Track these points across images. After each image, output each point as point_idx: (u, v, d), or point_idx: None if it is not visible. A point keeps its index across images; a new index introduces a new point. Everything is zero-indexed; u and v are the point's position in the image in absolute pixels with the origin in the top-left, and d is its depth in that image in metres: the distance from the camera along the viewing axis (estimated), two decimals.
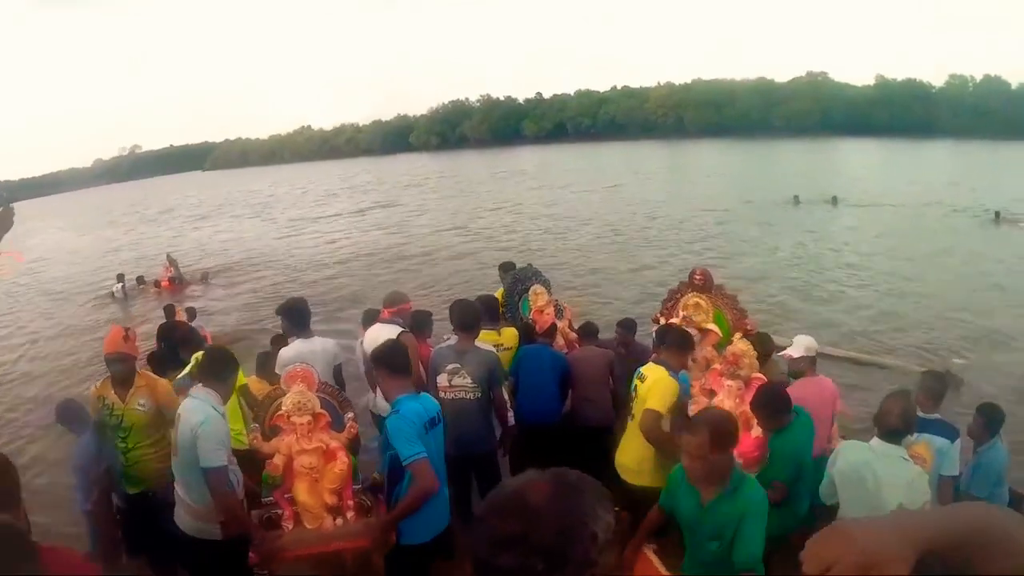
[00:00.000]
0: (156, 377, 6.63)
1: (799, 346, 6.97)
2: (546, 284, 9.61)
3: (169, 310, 16.74)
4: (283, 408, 5.78)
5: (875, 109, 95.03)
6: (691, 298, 8.37)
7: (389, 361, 5.40)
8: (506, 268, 11.11)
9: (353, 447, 6.17)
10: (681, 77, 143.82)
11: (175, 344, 16.15)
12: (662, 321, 8.43)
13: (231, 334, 18.52)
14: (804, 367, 6.97)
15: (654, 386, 6.42)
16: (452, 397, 6.71)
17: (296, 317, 7.50)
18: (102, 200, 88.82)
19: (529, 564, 1.65)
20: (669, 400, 6.40)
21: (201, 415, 5.08)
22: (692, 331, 7.77)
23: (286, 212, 52.31)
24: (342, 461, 5.76)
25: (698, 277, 8.58)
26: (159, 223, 53.32)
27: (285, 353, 7.11)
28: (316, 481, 5.70)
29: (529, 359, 7.93)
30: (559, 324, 8.97)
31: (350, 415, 6.10)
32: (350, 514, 5.77)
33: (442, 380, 6.75)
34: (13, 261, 5.61)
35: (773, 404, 5.87)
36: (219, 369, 5.51)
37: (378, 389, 6.72)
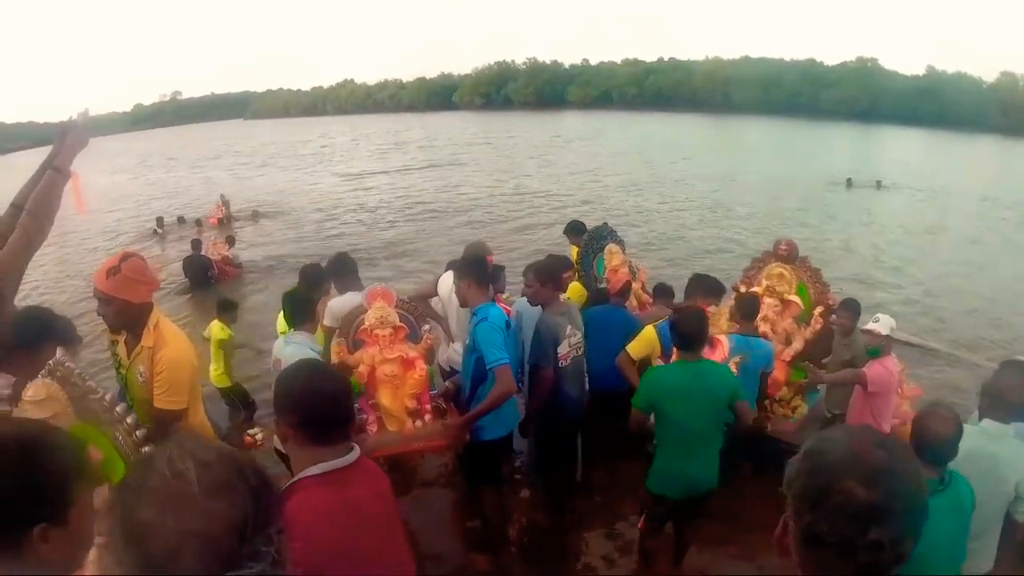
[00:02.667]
0: (170, 338, 4.88)
1: (885, 324, 6.90)
2: (620, 244, 9.35)
3: (196, 244, 18.74)
4: (366, 323, 6.35)
5: (924, 100, 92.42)
6: (775, 268, 8.26)
7: (475, 271, 6.04)
8: (573, 229, 10.95)
9: (429, 356, 6.67)
10: (729, 53, 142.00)
11: (200, 274, 18.08)
12: (742, 290, 8.26)
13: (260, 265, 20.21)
14: (886, 344, 6.90)
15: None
16: (573, 357, 6.62)
17: (344, 273, 7.38)
18: (144, 145, 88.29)
19: (897, 536, 1.62)
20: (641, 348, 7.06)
21: (297, 357, 5.34)
22: (774, 301, 7.96)
23: (341, 163, 52.34)
24: (420, 369, 6.36)
25: (783, 247, 8.49)
26: (207, 168, 53.64)
27: (336, 304, 7.11)
28: (397, 388, 6.27)
29: (598, 321, 7.56)
30: (634, 285, 8.84)
31: (426, 327, 6.69)
32: (428, 417, 6.34)
33: (563, 348, 6.50)
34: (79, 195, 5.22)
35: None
36: (302, 311, 6.14)
37: (449, 344, 7.37)
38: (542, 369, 6.32)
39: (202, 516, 1.47)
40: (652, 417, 5.59)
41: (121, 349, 4.93)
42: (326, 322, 6.99)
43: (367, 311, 6.42)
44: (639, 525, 6.32)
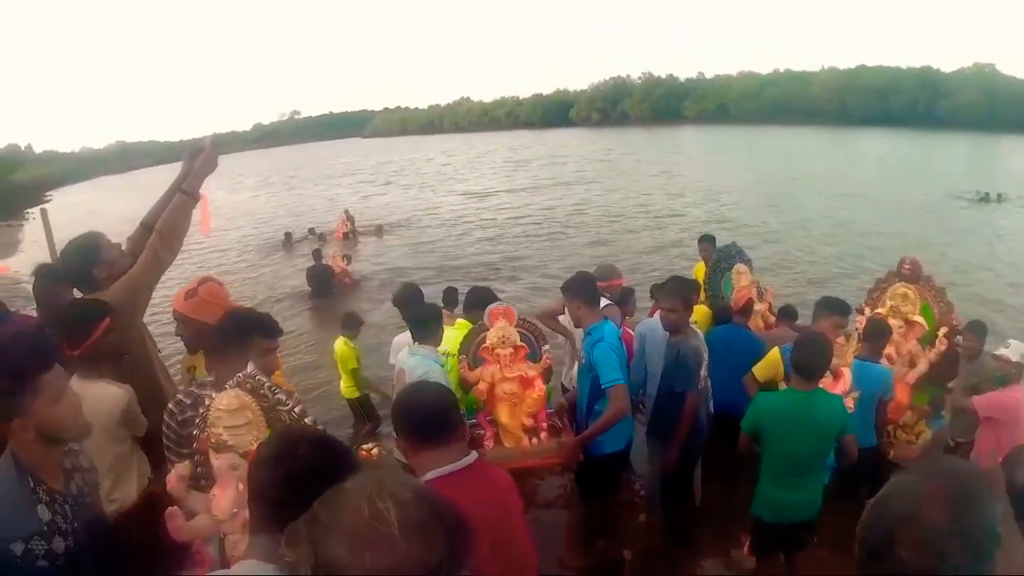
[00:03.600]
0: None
1: (1016, 351, 6.84)
2: (748, 264, 9.21)
3: (317, 254, 20.00)
4: (487, 341, 6.48)
5: None
6: (899, 288, 8.08)
7: (584, 290, 6.20)
8: (706, 239, 11.12)
9: (547, 376, 6.76)
10: (845, 62, 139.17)
11: (322, 283, 19.22)
12: (867, 312, 8.15)
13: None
14: (1015, 372, 6.79)
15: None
16: (705, 379, 6.68)
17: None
18: (264, 164, 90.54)
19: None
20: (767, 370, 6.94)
21: (423, 369, 5.81)
22: (898, 322, 7.80)
23: (464, 182, 52.58)
24: (539, 388, 6.47)
25: (907, 267, 8.32)
26: (329, 185, 54.73)
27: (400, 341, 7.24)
28: (515, 405, 6.40)
29: (721, 341, 7.47)
30: (759, 306, 8.88)
31: (546, 347, 6.76)
32: (544, 435, 6.46)
33: (703, 371, 6.58)
34: (205, 217, 5.19)
35: None
36: (427, 328, 6.22)
37: (576, 361, 7.27)
38: (690, 393, 6.38)
39: (399, 558, 1.45)
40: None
41: (203, 372, 4.82)
42: (391, 360, 7.24)
43: (489, 330, 6.53)
44: (745, 550, 6.34)
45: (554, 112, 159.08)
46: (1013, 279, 18.97)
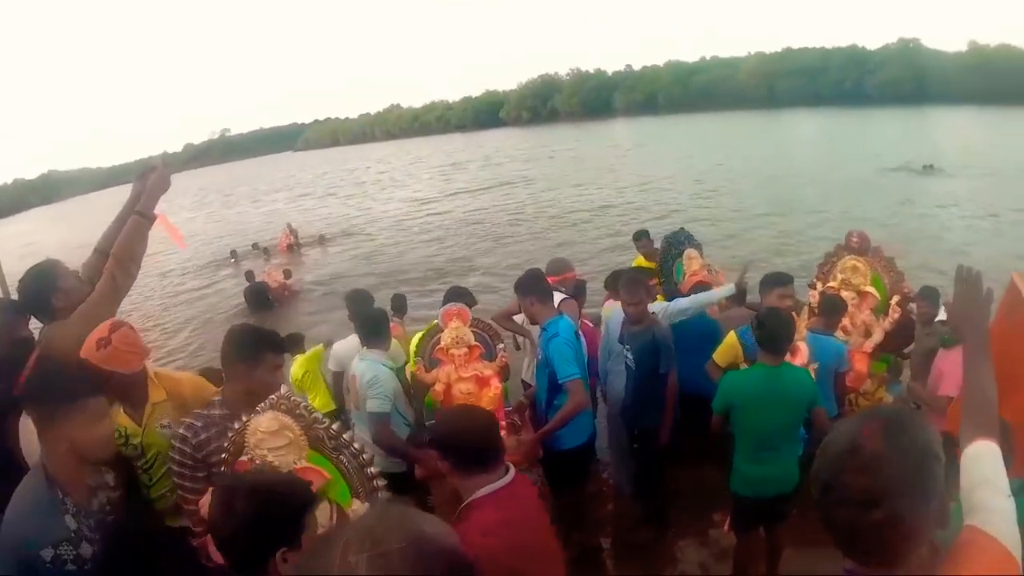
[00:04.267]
0: (176, 375, 4.86)
1: None
2: (698, 248, 9.26)
3: (249, 275, 20.97)
4: (442, 342, 6.40)
5: (971, 76, 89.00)
6: (849, 261, 8.23)
7: (537, 287, 6.23)
8: (641, 235, 11.26)
9: (504, 374, 6.73)
10: (771, 46, 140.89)
11: (259, 300, 19.83)
12: (819, 286, 8.31)
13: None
14: (952, 334, 6.70)
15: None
16: None
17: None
18: (198, 183, 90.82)
19: (896, 513, 1.82)
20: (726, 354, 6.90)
21: (372, 372, 5.87)
22: (850, 294, 7.93)
23: (403, 188, 52.79)
24: (495, 387, 6.40)
25: (855, 240, 8.51)
26: (267, 201, 54.66)
27: (340, 348, 7.60)
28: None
29: (677, 326, 7.37)
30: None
31: (501, 346, 6.72)
32: (503, 433, 6.26)
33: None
34: (175, 243, 5.23)
35: None
36: (376, 330, 6.27)
37: (532, 361, 7.39)
38: (673, 372, 6.57)
39: None
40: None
41: (124, 420, 4.39)
42: (330, 365, 7.42)
43: (443, 331, 6.47)
44: (725, 527, 6.38)
45: (485, 113, 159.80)
46: (955, 246, 19.40)
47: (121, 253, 4.56)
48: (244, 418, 3.93)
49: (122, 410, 4.40)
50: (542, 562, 3.42)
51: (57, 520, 3.26)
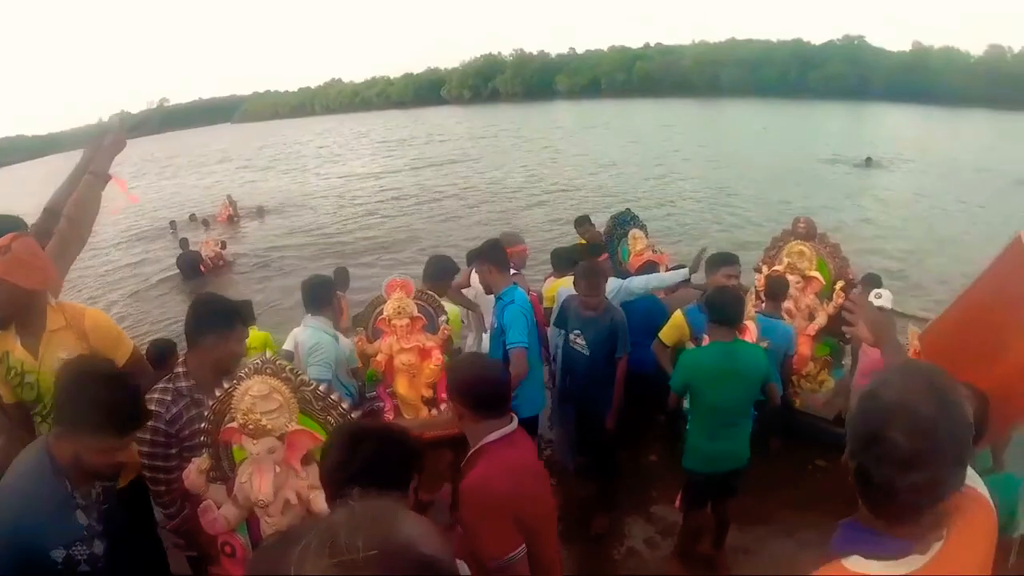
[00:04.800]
0: (79, 307, 4.43)
1: (887, 299, 7.29)
2: (643, 229, 9.48)
3: (184, 242, 21.13)
4: (384, 313, 6.33)
5: (912, 75, 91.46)
6: (795, 245, 8.39)
7: (494, 256, 6.25)
8: (583, 221, 11.20)
9: (446, 347, 6.65)
10: (716, 36, 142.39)
11: (191, 268, 19.95)
12: (764, 269, 8.43)
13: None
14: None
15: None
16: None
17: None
18: (136, 152, 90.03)
19: (936, 478, 1.82)
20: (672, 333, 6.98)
21: (315, 339, 5.84)
22: (795, 278, 8.07)
23: (343, 163, 52.24)
24: (436, 359, 6.40)
25: (802, 225, 8.67)
26: (207, 173, 53.41)
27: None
28: (414, 377, 6.37)
29: (624, 306, 7.27)
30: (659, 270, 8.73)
31: (443, 318, 6.62)
32: (443, 405, 6.36)
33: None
34: (124, 195, 5.14)
35: None
36: (320, 297, 6.21)
37: (483, 332, 7.55)
38: (626, 356, 6.48)
39: None
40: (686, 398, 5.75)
41: (19, 354, 4.10)
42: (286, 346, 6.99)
43: (386, 301, 6.40)
44: (676, 504, 6.34)
45: (426, 91, 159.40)
46: (894, 233, 20.02)
47: (74, 213, 4.42)
48: (223, 387, 3.92)
49: (18, 342, 4.11)
50: (544, 507, 3.62)
51: (69, 517, 3.10)
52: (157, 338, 8.09)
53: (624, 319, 6.45)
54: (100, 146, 4.71)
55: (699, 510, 6.13)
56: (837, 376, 8.31)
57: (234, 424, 3.82)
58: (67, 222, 4.38)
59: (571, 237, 12.32)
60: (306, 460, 3.90)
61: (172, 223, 27.40)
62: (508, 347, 5.85)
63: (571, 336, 6.47)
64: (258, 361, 3.89)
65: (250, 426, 3.70)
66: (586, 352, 6.42)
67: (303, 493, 3.85)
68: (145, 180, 52.51)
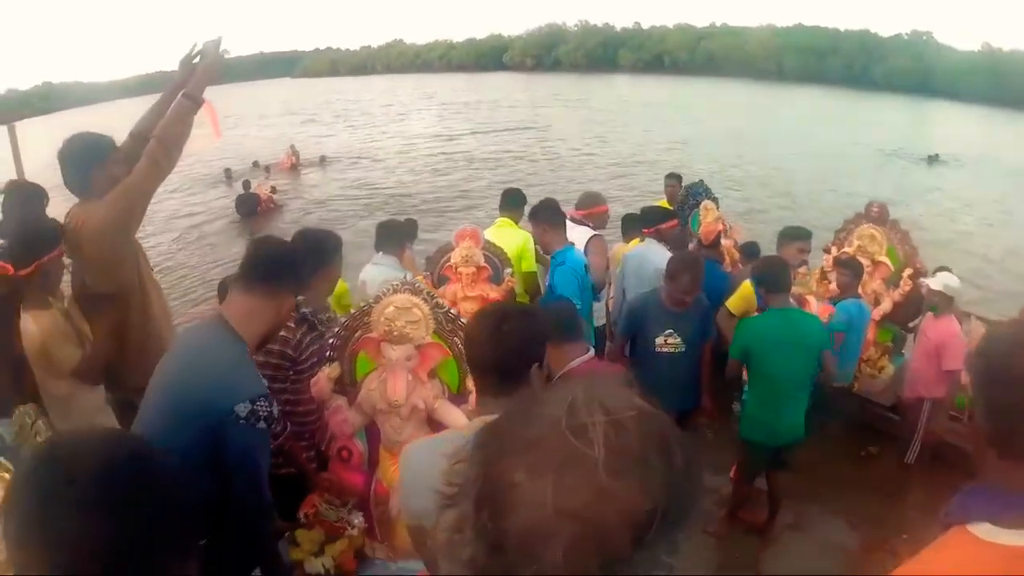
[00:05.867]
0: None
1: (938, 281, 7.05)
2: (716, 201, 9.29)
3: (246, 184, 23.52)
4: (452, 260, 6.37)
5: (980, 76, 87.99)
6: (866, 229, 8.39)
7: (547, 215, 6.47)
8: (672, 176, 11.31)
9: (509, 298, 6.56)
10: (783, 20, 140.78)
11: (249, 207, 21.84)
12: (834, 251, 8.47)
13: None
14: (938, 302, 7.00)
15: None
16: None
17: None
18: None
19: None
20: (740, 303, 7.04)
21: (381, 278, 5.86)
22: (865, 261, 7.99)
23: (412, 121, 52.78)
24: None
25: (875, 209, 8.66)
26: (265, 127, 53.32)
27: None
28: None
29: None
30: (726, 242, 8.86)
31: (508, 271, 6.59)
32: None
33: None
34: (211, 134, 5.16)
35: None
36: (393, 238, 6.55)
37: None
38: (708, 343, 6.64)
39: (594, 494, 1.01)
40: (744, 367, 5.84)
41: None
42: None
43: (454, 249, 6.42)
44: (731, 474, 6.44)
45: (487, 56, 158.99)
46: (964, 229, 20.19)
47: (165, 135, 4.41)
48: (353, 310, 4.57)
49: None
50: None
51: (254, 374, 3.25)
52: (231, 274, 8.25)
53: (706, 299, 6.45)
54: (194, 70, 4.73)
55: (751, 482, 6.23)
56: (897, 363, 8.15)
57: (372, 334, 4.37)
58: (157, 143, 4.38)
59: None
60: (430, 375, 4.42)
61: (227, 171, 28.18)
62: None
63: (658, 341, 6.27)
64: (397, 283, 4.43)
65: (394, 332, 4.28)
66: (682, 349, 6.29)
67: (429, 402, 4.34)
68: (206, 129, 52.74)
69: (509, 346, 2.69)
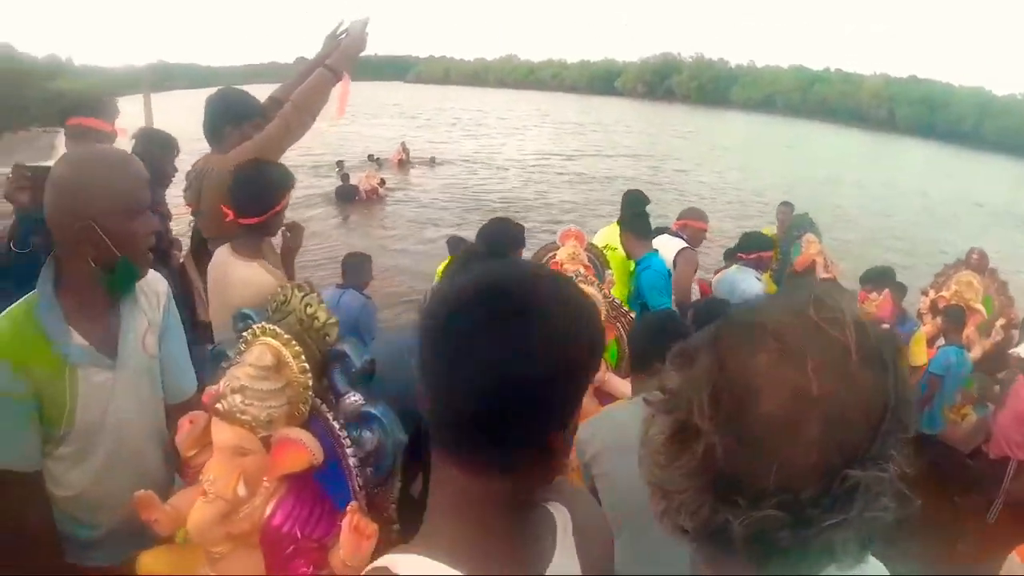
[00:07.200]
0: None
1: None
2: (818, 235, 9.52)
3: (345, 176, 25.26)
4: (558, 257, 6.40)
5: None
6: (965, 275, 8.42)
7: (633, 224, 6.58)
8: (786, 204, 11.60)
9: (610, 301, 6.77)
10: (897, 71, 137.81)
11: (346, 198, 23.39)
12: (932, 294, 8.56)
13: None
14: None
15: None
16: None
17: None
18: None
19: None
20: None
21: None
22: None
23: (526, 136, 53.19)
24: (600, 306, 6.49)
25: (975, 257, 8.69)
26: (379, 125, 53.47)
27: None
28: None
29: None
30: (825, 276, 8.86)
31: (609, 272, 6.68)
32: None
33: None
34: (335, 110, 5.03)
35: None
36: (507, 244, 6.07)
37: None
38: None
39: (846, 384, 1.03)
40: None
41: None
42: None
43: (559, 248, 6.51)
44: None
45: (600, 79, 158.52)
46: None
47: (301, 100, 4.52)
48: None
49: None
50: None
51: None
52: (354, 251, 8.77)
53: None
54: (337, 44, 4.89)
55: None
56: (980, 413, 8.06)
57: None
58: (292, 107, 4.49)
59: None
60: None
61: (339, 163, 28.69)
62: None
63: None
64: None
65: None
66: None
67: (599, 374, 4.27)
68: (320, 123, 53.29)
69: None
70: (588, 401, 4.06)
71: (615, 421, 3.10)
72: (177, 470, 2.99)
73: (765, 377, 1.05)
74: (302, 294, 2.47)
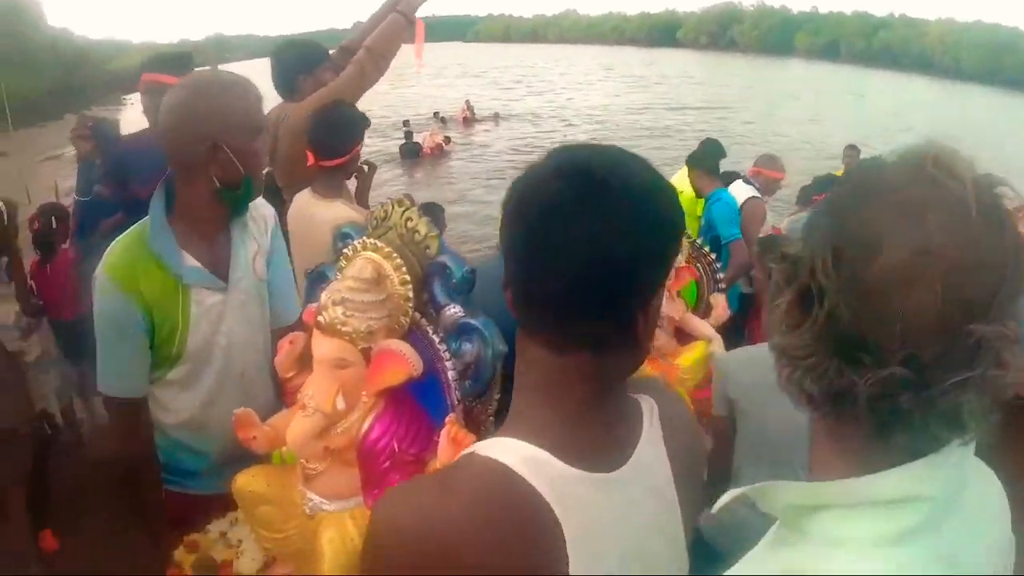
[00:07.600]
0: None
1: None
2: None
3: (408, 135, 25.91)
4: None
5: None
6: None
7: (703, 161, 6.54)
8: (852, 147, 11.89)
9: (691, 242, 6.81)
10: (962, 15, 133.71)
11: (410, 155, 24.47)
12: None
13: None
14: None
15: None
16: None
17: None
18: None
19: None
20: None
21: None
22: None
23: (588, 91, 52.82)
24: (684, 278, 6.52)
25: None
26: (444, 85, 53.63)
27: None
28: None
29: None
30: None
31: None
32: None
33: None
34: (420, 45, 5.00)
35: None
36: None
37: None
38: None
39: (967, 238, 1.02)
40: None
41: None
42: None
43: None
44: None
45: (660, 31, 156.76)
46: None
47: (375, 45, 4.55)
48: None
49: None
50: None
51: None
52: (427, 202, 8.80)
53: None
54: None
55: None
56: None
57: None
58: (366, 52, 4.52)
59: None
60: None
61: (405, 122, 28.88)
62: (724, 240, 5.93)
63: None
64: None
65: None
66: None
67: (681, 313, 4.28)
68: (383, 85, 53.30)
69: None
70: (667, 340, 4.11)
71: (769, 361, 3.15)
72: (279, 396, 2.95)
73: (885, 232, 1.04)
74: (402, 209, 2.48)
